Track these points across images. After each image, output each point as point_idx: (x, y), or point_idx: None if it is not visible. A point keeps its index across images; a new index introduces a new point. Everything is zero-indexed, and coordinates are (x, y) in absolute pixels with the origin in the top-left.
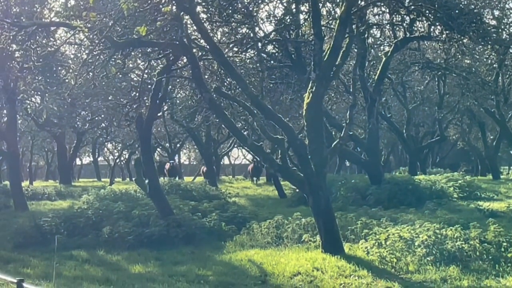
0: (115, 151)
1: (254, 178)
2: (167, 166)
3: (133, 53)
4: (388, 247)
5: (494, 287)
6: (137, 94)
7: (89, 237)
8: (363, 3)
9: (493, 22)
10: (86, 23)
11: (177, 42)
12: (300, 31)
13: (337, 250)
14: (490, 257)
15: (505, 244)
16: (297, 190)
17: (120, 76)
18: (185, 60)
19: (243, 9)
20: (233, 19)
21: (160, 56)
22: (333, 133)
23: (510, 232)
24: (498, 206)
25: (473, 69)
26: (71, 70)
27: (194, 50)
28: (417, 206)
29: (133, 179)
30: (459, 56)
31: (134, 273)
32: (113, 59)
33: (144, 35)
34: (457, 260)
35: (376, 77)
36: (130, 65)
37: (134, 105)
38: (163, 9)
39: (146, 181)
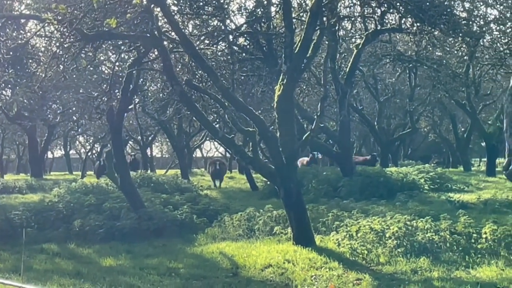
0: (87, 144)
1: None
2: (212, 166)
3: (104, 46)
4: (359, 239)
5: (464, 278)
6: (108, 87)
7: (60, 230)
8: None
9: (464, 14)
10: (56, 16)
11: (148, 35)
12: (271, 24)
13: (308, 242)
14: (460, 248)
15: (475, 235)
16: (269, 183)
17: (91, 68)
18: (156, 53)
19: (214, 1)
20: (204, 11)
21: (131, 48)
22: (305, 125)
23: (480, 223)
24: (468, 198)
25: (444, 61)
26: (41, 63)
27: (165, 43)
28: (388, 198)
29: (105, 172)
30: (430, 48)
31: (105, 266)
32: (83, 52)
33: (115, 27)
34: (428, 252)
35: (347, 70)
36: (101, 58)
37: (104, 98)
38: (133, 1)
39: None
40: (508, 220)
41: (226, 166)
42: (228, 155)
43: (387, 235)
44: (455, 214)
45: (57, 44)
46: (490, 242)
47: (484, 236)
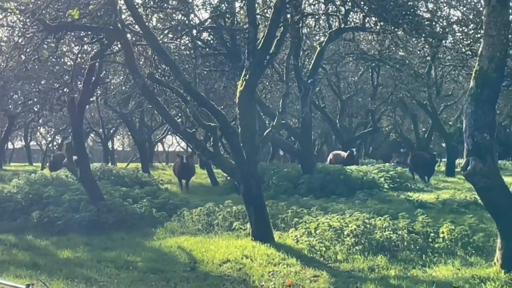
0: (48, 135)
1: None
2: (179, 161)
3: (66, 37)
4: (317, 236)
5: (420, 277)
6: (70, 78)
7: (18, 221)
8: None
9: (427, 15)
10: (19, 5)
11: (111, 27)
12: (235, 19)
13: (267, 238)
14: (418, 247)
15: (432, 234)
16: (229, 178)
17: (53, 59)
18: (119, 45)
19: None
20: (168, 5)
21: (93, 40)
22: (267, 122)
23: (438, 223)
24: (427, 197)
25: (407, 61)
26: (3, 53)
27: (128, 35)
28: (348, 196)
29: (60, 167)
30: (393, 48)
31: (63, 258)
32: (45, 42)
33: (77, 18)
34: (385, 250)
35: (310, 67)
36: (64, 49)
37: (66, 89)
38: None
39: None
40: (466, 220)
41: (193, 163)
42: (189, 149)
43: (345, 233)
44: (413, 213)
45: (19, 34)
46: (447, 242)
47: (441, 235)
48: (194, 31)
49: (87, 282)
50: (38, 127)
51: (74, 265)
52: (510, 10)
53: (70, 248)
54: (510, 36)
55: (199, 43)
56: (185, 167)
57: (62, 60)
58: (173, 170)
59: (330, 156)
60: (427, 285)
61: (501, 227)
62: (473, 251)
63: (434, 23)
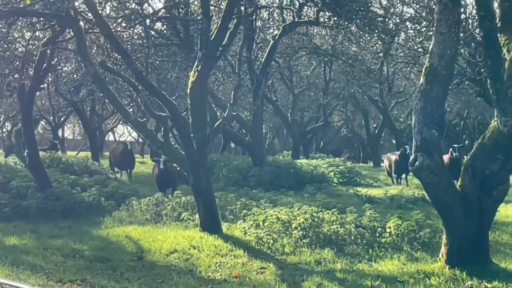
0: None
1: (401, 177)
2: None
3: (18, 23)
4: (265, 228)
5: (366, 271)
6: (21, 65)
7: None
8: None
9: (381, 11)
10: None
11: (63, 14)
12: (189, 10)
13: (215, 229)
14: (364, 242)
15: (379, 229)
16: (179, 168)
17: (5, 45)
18: (71, 33)
19: None
20: None
21: (45, 27)
22: (218, 113)
23: (385, 218)
24: (376, 193)
25: (359, 56)
26: None
27: (81, 23)
28: (297, 190)
29: (13, 150)
30: (346, 43)
31: (9, 245)
32: None
33: (29, 4)
34: (332, 243)
35: (263, 60)
36: (15, 35)
37: (16, 76)
38: None
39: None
40: (413, 216)
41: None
42: (140, 139)
43: (293, 226)
44: (361, 208)
45: None
46: (393, 237)
47: (388, 230)
48: (148, 21)
49: (33, 269)
50: None
51: (20, 252)
52: (461, 9)
53: (17, 235)
54: (461, 34)
55: (152, 32)
56: (165, 174)
57: (13, 46)
58: (153, 176)
59: (386, 158)
60: (372, 279)
61: (447, 223)
62: (419, 247)
63: (387, 19)
